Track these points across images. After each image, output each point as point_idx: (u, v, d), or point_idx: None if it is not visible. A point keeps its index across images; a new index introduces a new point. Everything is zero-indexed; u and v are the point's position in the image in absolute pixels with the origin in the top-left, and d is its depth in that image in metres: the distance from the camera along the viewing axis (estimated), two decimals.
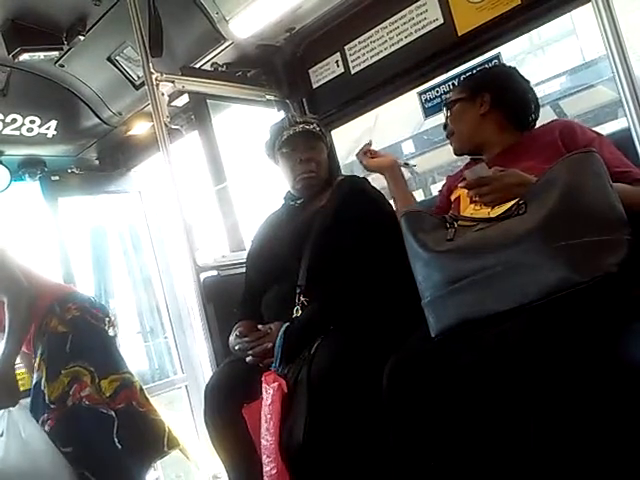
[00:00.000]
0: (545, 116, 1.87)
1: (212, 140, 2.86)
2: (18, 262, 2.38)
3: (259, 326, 1.79)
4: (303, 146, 1.98)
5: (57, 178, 3.35)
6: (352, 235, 1.78)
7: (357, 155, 1.99)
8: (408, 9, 2.42)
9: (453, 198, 1.75)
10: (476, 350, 1.28)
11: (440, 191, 1.95)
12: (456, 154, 1.88)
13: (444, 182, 1.97)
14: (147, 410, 2.42)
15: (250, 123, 3.06)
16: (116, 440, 2.30)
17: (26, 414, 2.21)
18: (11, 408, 2.18)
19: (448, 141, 1.90)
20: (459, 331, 1.31)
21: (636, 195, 1.39)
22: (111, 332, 2.49)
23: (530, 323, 1.19)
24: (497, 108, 1.77)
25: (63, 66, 2.83)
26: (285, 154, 2.00)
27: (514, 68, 1.89)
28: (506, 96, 1.78)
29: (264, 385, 1.63)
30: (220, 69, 2.73)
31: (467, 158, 1.90)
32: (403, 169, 1.97)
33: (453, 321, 1.32)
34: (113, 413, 2.32)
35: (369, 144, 1.99)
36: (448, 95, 1.95)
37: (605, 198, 1.24)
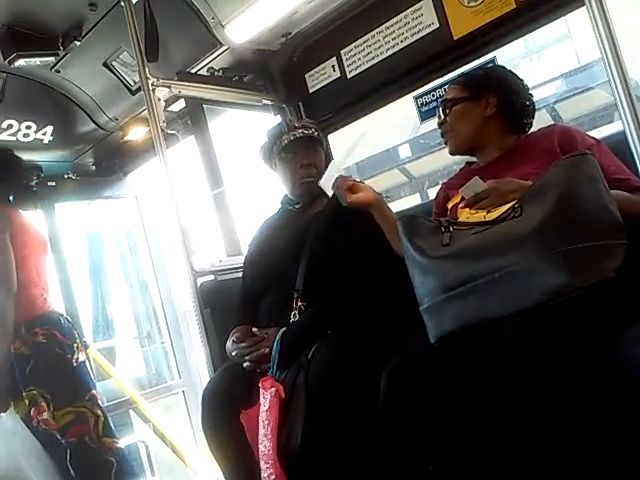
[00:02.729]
0: (541, 120, 1.87)
1: (208, 145, 2.86)
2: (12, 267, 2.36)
3: (254, 330, 1.78)
4: (303, 151, 1.98)
5: (54, 184, 3.34)
6: (349, 240, 1.78)
7: (336, 190, 1.73)
8: (404, 13, 2.42)
9: (450, 206, 1.73)
10: (475, 355, 1.28)
11: (435, 198, 1.91)
12: (451, 154, 1.85)
13: (439, 188, 1.93)
14: (99, 447, 2.39)
15: (247, 128, 3.05)
16: (70, 467, 2.30)
17: (16, 419, 2.20)
18: (2, 414, 2.18)
19: (444, 145, 1.88)
20: (458, 337, 1.31)
21: (635, 203, 1.39)
22: (81, 357, 2.47)
23: (529, 329, 1.19)
24: (501, 111, 1.75)
25: (59, 71, 2.83)
26: (285, 159, 2.00)
27: (512, 71, 1.88)
28: (512, 100, 1.76)
29: (261, 391, 1.62)
30: (216, 74, 2.74)
31: (462, 162, 1.90)
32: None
33: (452, 327, 1.31)
34: (65, 443, 2.32)
35: (348, 178, 1.74)
36: (447, 92, 1.87)
37: (600, 201, 1.24)
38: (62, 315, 2.53)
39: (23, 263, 2.39)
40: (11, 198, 2.46)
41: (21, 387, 2.28)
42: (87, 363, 2.54)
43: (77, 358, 2.44)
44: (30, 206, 2.60)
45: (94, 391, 2.45)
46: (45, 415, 2.28)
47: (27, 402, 2.26)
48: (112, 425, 2.49)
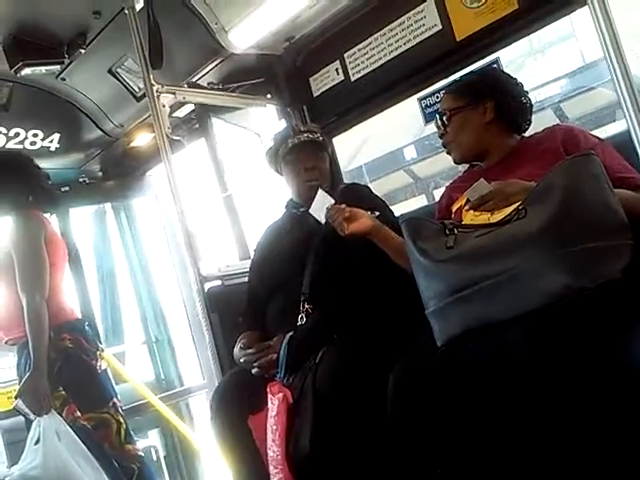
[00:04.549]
0: (546, 119, 1.87)
1: (214, 150, 2.88)
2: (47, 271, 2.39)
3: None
4: (307, 155, 1.99)
5: (67, 189, 3.36)
6: (355, 243, 1.78)
7: (331, 222, 1.68)
8: (406, 16, 2.42)
9: (454, 209, 1.72)
10: (482, 359, 1.28)
11: (439, 201, 1.90)
12: (456, 163, 1.85)
13: (443, 191, 1.92)
14: (118, 455, 2.40)
15: (251, 133, 3.06)
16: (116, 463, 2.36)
17: (59, 420, 2.23)
18: (45, 416, 2.21)
19: None
20: (465, 340, 1.31)
21: (639, 202, 1.39)
22: (103, 365, 2.50)
23: (534, 331, 1.19)
24: (501, 114, 1.74)
25: (64, 79, 2.84)
26: (290, 162, 2.01)
27: (505, 72, 1.87)
28: (508, 102, 1.75)
29: (269, 396, 1.63)
30: (221, 79, 2.75)
31: (467, 164, 1.89)
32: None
33: (458, 330, 1.31)
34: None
35: (342, 208, 1.68)
36: (442, 102, 1.86)
37: (605, 202, 1.23)
38: (86, 323, 2.56)
39: (52, 270, 2.42)
40: (30, 199, 2.49)
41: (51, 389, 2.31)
42: (108, 371, 2.56)
43: (100, 365, 2.48)
44: (48, 208, 2.62)
45: (115, 399, 2.48)
46: (78, 413, 2.31)
47: (58, 403, 2.29)
48: (132, 432, 2.52)
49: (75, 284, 3.33)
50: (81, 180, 3.46)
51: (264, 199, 3.06)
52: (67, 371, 2.34)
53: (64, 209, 3.37)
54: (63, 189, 3.31)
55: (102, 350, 2.55)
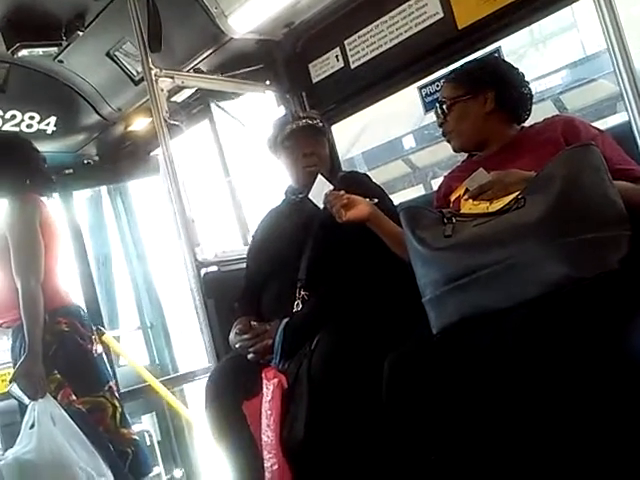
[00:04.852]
0: (546, 110, 1.86)
1: (213, 136, 2.87)
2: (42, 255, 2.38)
3: (253, 323, 1.80)
4: (306, 140, 1.98)
5: (71, 171, 3.36)
6: (353, 230, 1.77)
7: (329, 208, 1.68)
8: (408, 3, 2.40)
9: (453, 199, 1.71)
10: (477, 346, 1.28)
11: (437, 191, 1.89)
12: (456, 152, 1.84)
13: (441, 181, 1.91)
14: (113, 438, 2.40)
15: (250, 118, 3.04)
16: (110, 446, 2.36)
17: (54, 403, 2.23)
18: (40, 399, 2.21)
19: None
20: (460, 328, 1.31)
21: (638, 193, 1.38)
22: (99, 349, 2.50)
23: (531, 320, 1.19)
24: (501, 104, 1.73)
25: (62, 62, 2.82)
26: (288, 148, 2.00)
27: (506, 61, 1.86)
28: (509, 91, 1.73)
29: (264, 381, 1.63)
30: (220, 64, 2.73)
31: (466, 154, 1.89)
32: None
33: (454, 318, 1.31)
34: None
35: (340, 194, 1.68)
36: (442, 90, 1.84)
37: (604, 192, 1.24)
38: (80, 307, 2.56)
39: (47, 253, 2.41)
40: (28, 182, 2.47)
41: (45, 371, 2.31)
42: (104, 355, 2.56)
43: (96, 349, 2.48)
44: (46, 192, 2.60)
45: (111, 383, 2.48)
46: (74, 396, 2.31)
47: (52, 386, 2.29)
48: (127, 416, 2.52)
49: (78, 267, 3.34)
50: (85, 162, 3.45)
51: (262, 185, 3.06)
52: (62, 354, 2.34)
53: (67, 192, 3.39)
54: (67, 171, 3.32)
55: (103, 334, 2.54)
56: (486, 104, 1.73)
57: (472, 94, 1.74)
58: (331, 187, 1.70)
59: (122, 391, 2.98)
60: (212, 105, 2.93)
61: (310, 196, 1.75)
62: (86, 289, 3.41)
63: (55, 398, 2.27)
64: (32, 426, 2.18)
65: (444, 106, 1.78)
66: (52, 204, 2.74)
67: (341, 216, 1.66)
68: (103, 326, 3.24)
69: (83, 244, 3.48)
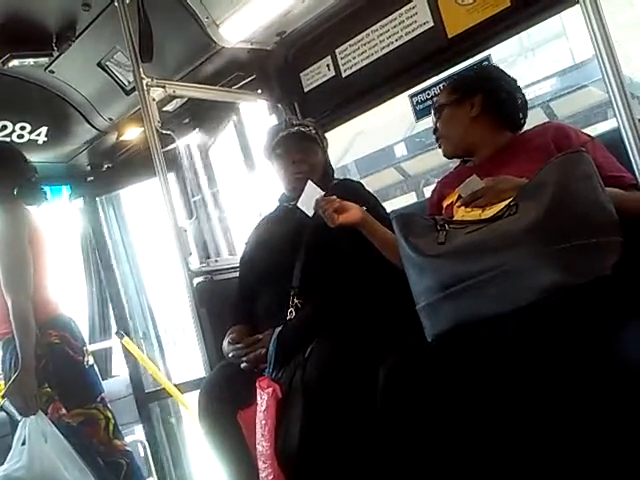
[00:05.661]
0: (536, 117, 1.88)
1: (205, 145, 2.87)
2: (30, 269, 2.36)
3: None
4: (296, 147, 1.98)
5: (92, 178, 3.42)
6: (346, 237, 1.77)
7: (321, 213, 1.68)
8: (398, 12, 2.41)
9: (445, 205, 1.73)
10: (471, 353, 1.28)
11: (430, 197, 1.91)
12: (446, 157, 1.86)
13: (434, 187, 1.93)
14: (107, 450, 2.40)
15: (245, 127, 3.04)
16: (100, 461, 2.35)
17: (47, 421, 2.22)
18: (31, 416, 2.19)
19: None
20: (454, 335, 1.31)
21: (630, 200, 1.39)
22: (90, 360, 2.49)
23: (524, 327, 1.19)
24: (489, 110, 1.75)
25: (53, 72, 2.81)
26: (279, 155, 2.01)
27: (500, 68, 1.88)
28: (497, 97, 1.76)
29: (258, 391, 1.62)
30: (211, 74, 2.73)
31: (458, 160, 1.90)
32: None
33: (448, 326, 1.32)
34: None
35: (332, 199, 1.67)
36: (437, 98, 1.91)
37: (596, 199, 1.24)
38: (71, 319, 2.54)
39: (37, 264, 2.39)
40: (15, 191, 2.46)
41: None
42: (95, 367, 2.54)
43: (87, 361, 2.46)
44: (33, 201, 2.59)
45: (103, 394, 2.46)
46: (64, 410, 2.30)
47: (43, 400, 2.27)
48: (120, 427, 2.51)
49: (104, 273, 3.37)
50: (105, 167, 3.47)
51: (252, 195, 3.05)
52: (53, 367, 2.32)
53: (91, 198, 3.43)
54: (89, 179, 3.40)
55: (122, 337, 2.52)
56: (472, 109, 1.75)
57: (460, 99, 1.78)
58: (322, 193, 1.70)
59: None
60: (204, 115, 2.93)
61: (299, 204, 1.74)
62: (113, 296, 3.44)
63: (45, 412, 2.25)
64: (23, 443, 2.17)
65: (437, 112, 1.83)
66: (45, 213, 2.74)
67: (333, 220, 1.65)
68: (127, 333, 3.25)
69: (108, 251, 3.51)
